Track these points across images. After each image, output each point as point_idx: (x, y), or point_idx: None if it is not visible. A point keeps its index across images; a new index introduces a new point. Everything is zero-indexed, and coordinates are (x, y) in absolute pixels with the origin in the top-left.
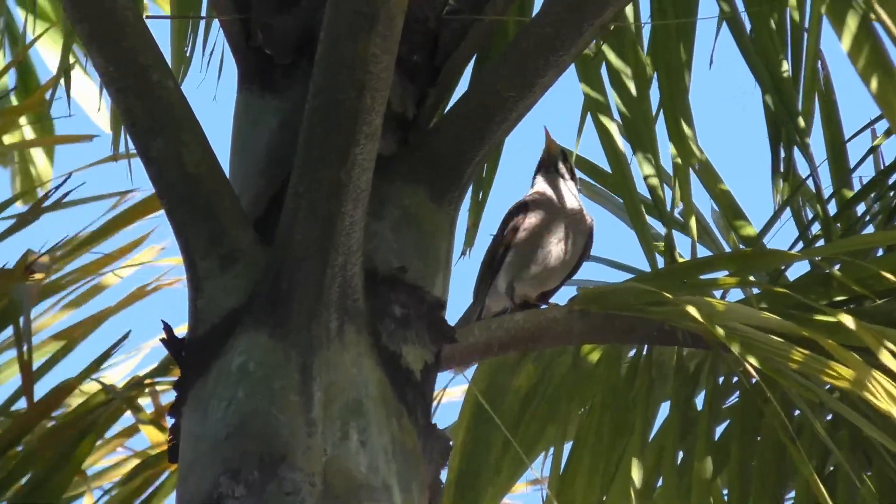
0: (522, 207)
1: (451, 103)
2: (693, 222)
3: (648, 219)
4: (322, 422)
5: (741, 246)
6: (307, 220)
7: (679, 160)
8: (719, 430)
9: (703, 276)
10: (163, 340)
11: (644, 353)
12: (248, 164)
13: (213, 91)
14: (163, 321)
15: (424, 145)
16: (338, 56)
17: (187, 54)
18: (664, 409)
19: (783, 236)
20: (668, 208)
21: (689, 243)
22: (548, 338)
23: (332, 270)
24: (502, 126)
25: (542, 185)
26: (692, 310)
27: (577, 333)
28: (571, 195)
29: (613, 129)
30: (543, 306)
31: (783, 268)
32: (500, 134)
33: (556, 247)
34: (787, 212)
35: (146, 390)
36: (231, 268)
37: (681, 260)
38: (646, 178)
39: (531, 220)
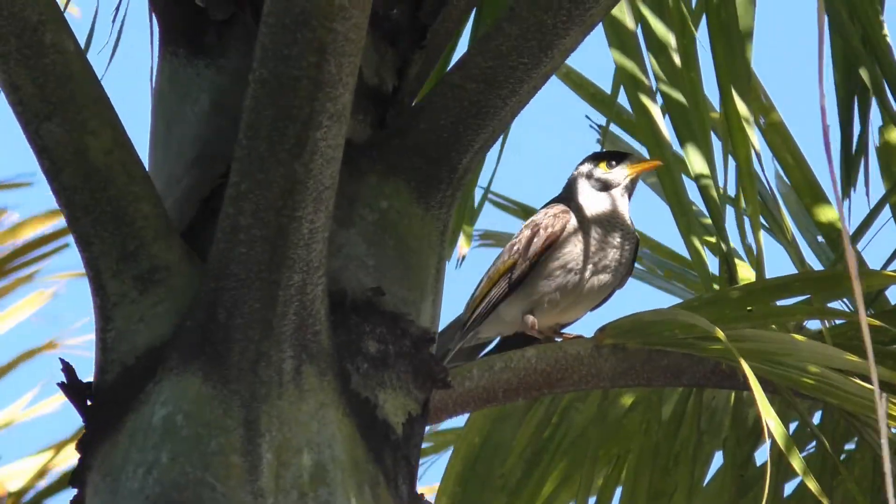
0: (556, 218)
1: (442, 73)
2: (759, 233)
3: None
4: (273, 493)
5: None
6: (252, 228)
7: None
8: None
9: (773, 303)
10: (62, 386)
11: (692, 396)
12: (173, 156)
13: (128, 58)
14: (62, 360)
15: (407, 129)
16: (292, 9)
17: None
18: (715, 467)
19: (876, 247)
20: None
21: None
22: (569, 381)
23: (285, 294)
24: (510, 102)
25: (595, 196)
26: (742, 362)
27: (607, 376)
28: (626, 212)
29: (655, 110)
30: (558, 339)
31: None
32: (508, 113)
33: (592, 276)
34: (886, 214)
35: None
36: (151, 291)
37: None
38: (697, 177)
39: (574, 236)
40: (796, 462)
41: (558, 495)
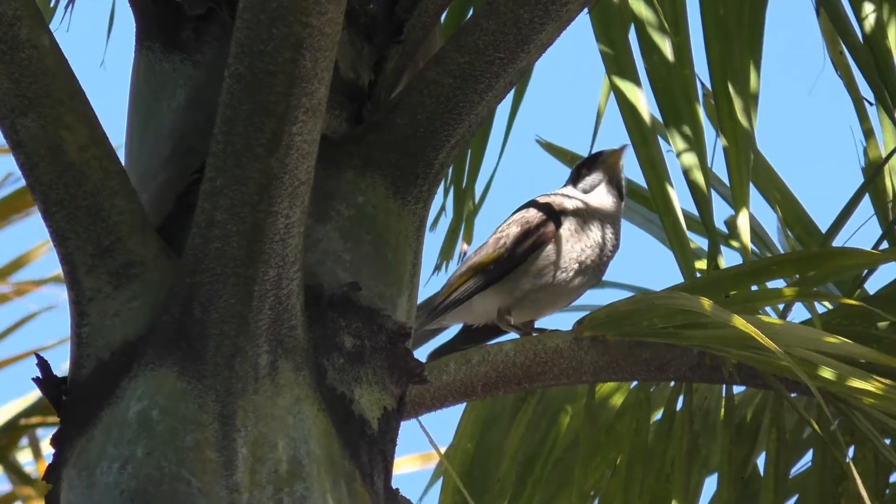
0: (552, 214)
1: (419, 67)
2: (745, 223)
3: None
4: (248, 488)
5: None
6: (227, 223)
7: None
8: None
9: (754, 288)
10: (36, 381)
11: (682, 395)
12: (149, 151)
13: (102, 52)
14: (37, 354)
15: (384, 124)
16: (268, 4)
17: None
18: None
19: (861, 238)
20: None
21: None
22: (549, 375)
23: (260, 289)
24: (486, 97)
25: (581, 196)
26: (741, 324)
27: (588, 369)
28: (615, 209)
29: (641, 101)
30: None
31: (863, 274)
32: (485, 107)
33: (581, 274)
34: (867, 207)
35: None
36: (126, 287)
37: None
38: (686, 173)
39: (565, 236)
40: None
41: (557, 499)
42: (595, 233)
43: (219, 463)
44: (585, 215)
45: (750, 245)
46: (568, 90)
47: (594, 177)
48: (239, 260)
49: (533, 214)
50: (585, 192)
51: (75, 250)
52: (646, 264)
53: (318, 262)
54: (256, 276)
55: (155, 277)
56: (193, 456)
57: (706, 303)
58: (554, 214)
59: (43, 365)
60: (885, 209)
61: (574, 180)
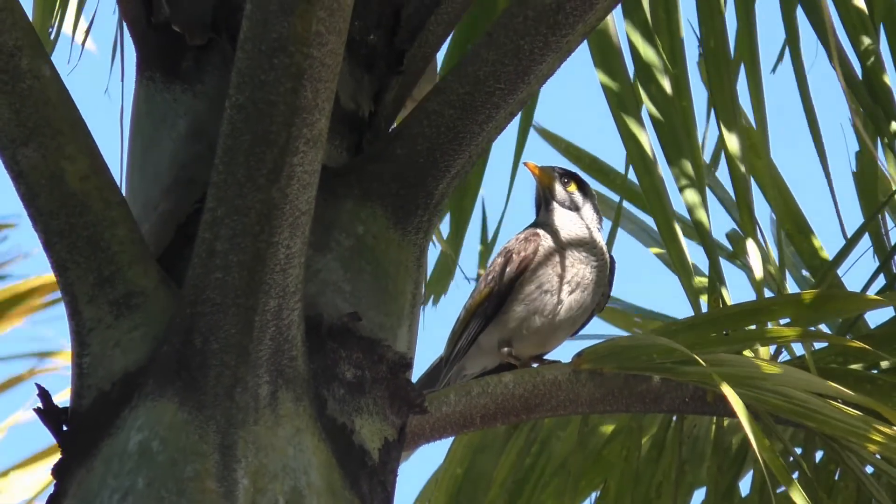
0: (527, 242)
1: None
2: (754, 253)
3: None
4: None
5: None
6: (228, 253)
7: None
8: None
9: (753, 327)
10: (38, 411)
11: (672, 424)
12: (150, 181)
13: (105, 83)
14: (37, 385)
15: (384, 154)
16: (269, 35)
17: (70, 34)
18: (698, 497)
19: (861, 268)
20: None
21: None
22: (546, 406)
23: (261, 319)
24: (487, 127)
25: (547, 217)
26: (724, 386)
27: (585, 401)
28: (585, 226)
29: (643, 135)
30: (535, 364)
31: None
32: (485, 138)
33: (569, 296)
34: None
35: None
36: (127, 317)
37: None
38: (690, 209)
39: (540, 259)
40: (794, 491)
41: None
42: (573, 253)
43: (219, 493)
44: (559, 236)
45: (761, 275)
46: (568, 77)
47: (536, 196)
48: (240, 290)
49: (512, 244)
50: (550, 212)
51: (76, 280)
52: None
53: (318, 292)
54: (257, 306)
55: (155, 308)
56: (194, 486)
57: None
58: (531, 241)
59: (43, 395)
60: (882, 244)
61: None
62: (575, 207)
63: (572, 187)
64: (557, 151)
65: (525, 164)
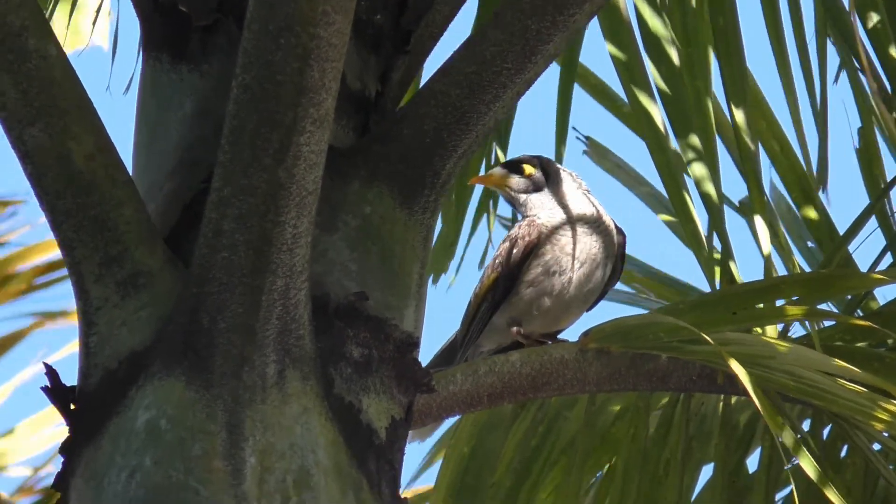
0: (530, 227)
1: (425, 78)
2: (763, 226)
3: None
4: (256, 498)
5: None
6: (235, 233)
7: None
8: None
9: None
10: (45, 389)
11: (680, 402)
12: (156, 161)
13: (110, 64)
14: (45, 364)
15: (390, 134)
16: (275, 15)
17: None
18: (705, 475)
19: (870, 245)
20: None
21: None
22: (554, 385)
23: (268, 299)
24: (494, 107)
25: (526, 210)
26: (734, 363)
27: (592, 380)
28: (565, 200)
29: (654, 107)
30: (549, 342)
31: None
32: (492, 118)
33: (577, 273)
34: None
35: None
36: (134, 296)
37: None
38: (697, 183)
39: (544, 241)
40: (805, 462)
41: (551, 501)
42: (574, 230)
43: (227, 472)
44: (552, 218)
45: (771, 251)
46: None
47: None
48: (246, 270)
49: (515, 231)
50: (525, 204)
51: (83, 260)
52: None
53: (325, 272)
54: (264, 285)
55: (162, 287)
56: (201, 465)
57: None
58: (533, 226)
59: (51, 374)
60: (889, 223)
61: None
62: (540, 187)
63: (528, 170)
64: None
65: (469, 183)
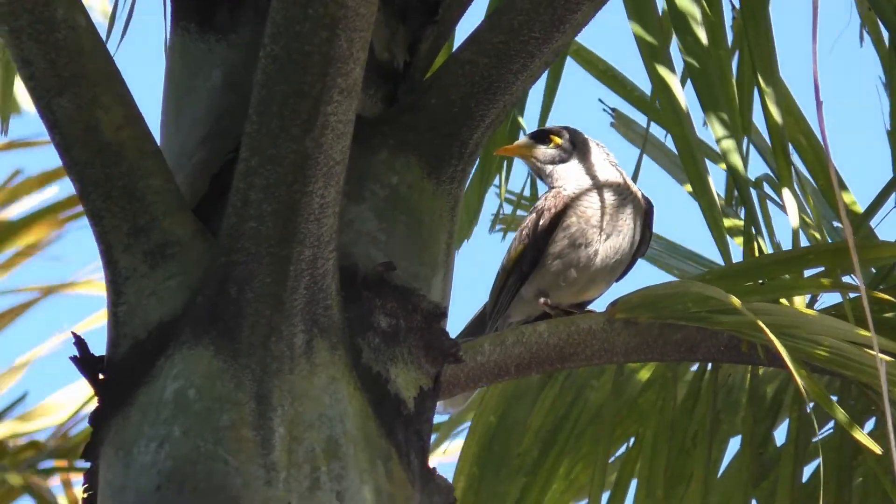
0: (555, 198)
1: (453, 48)
2: (791, 199)
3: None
4: (285, 467)
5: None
6: (262, 203)
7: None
8: (806, 470)
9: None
10: (73, 359)
11: (707, 373)
12: (184, 131)
13: (141, 34)
14: (73, 333)
15: (419, 104)
16: None
17: None
18: (733, 447)
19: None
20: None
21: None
22: (581, 356)
23: (296, 269)
24: (521, 76)
25: (553, 181)
26: (768, 332)
27: (620, 350)
28: (593, 170)
29: (675, 83)
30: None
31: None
32: (519, 87)
33: (604, 244)
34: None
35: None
36: (162, 266)
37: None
38: (724, 153)
39: (569, 212)
40: (839, 414)
41: (576, 475)
42: (599, 199)
43: (256, 442)
44: (577, 189)
45: (797, 223)
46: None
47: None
48: (274, 240)
49: (541, 202)
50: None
51: (111, 230)
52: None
53: (352, 242)
54: (291, 255)
55: (190, 257)
56: (230, 435)
57: (735, 301)
58: (559, 197)
59: (80, 344)
60: None
61: (543, 158)
62: (567, 158)
63: (556, 140)
64: (593, 76)
65: (496, 153)
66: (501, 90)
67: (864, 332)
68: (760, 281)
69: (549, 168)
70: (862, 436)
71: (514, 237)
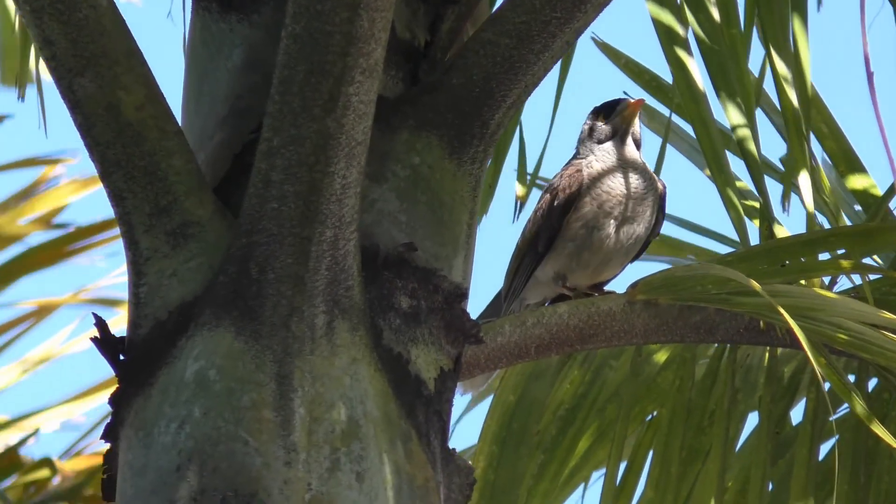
0: (571, 178)
1: (475, 27)
2: (807, 186)
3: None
4: (305, 448)
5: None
6: (284, 183)
7: (792, 99)
8: (822, 449)
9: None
10: (94, 340)
11: (726, 353)
12: (205, 111)
13: (163, 12)
14: (94, 314)
15: (440, 84)
16: None
17: None
18: (750, 426)
19: None
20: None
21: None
22: (601, 337)
23: (317, 249)
24: (543, 57)
25: (599, 150)
26: (787, 316)
27: (639, 331)
28: (637, 157)
29: (692, 64)
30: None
31: None
32: (541, 67)
33: (618, 227)
34: None
35: None
36: (183, 246)
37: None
38: (734, 128)
39: (590, 192)
40: (858, 406)
41: (593, 453)
42: (618, 182)
43: (276, 423)
44: (610, 168)
45: (813, 208)
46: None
47: (610, 127)
48: (295, 220)
49: (556, 181)
50: (601, 142)
51: (133, 210)
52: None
53: (373, 222)
54: (313, 236)
55: (212, 237)
56: (250, 416)
57: (754, 284)
58: (575, 177)
59: (101, 325)
60: None
61: (590, 129)
62: (606, 139)
63: (601, 120)
64: (616, 66)
65: (638, 101)
66: (523, 70)
67: (886, 315)
68: (781, 264)
69: (589, 143)
70: (880, 429)
71: (529, 218)
